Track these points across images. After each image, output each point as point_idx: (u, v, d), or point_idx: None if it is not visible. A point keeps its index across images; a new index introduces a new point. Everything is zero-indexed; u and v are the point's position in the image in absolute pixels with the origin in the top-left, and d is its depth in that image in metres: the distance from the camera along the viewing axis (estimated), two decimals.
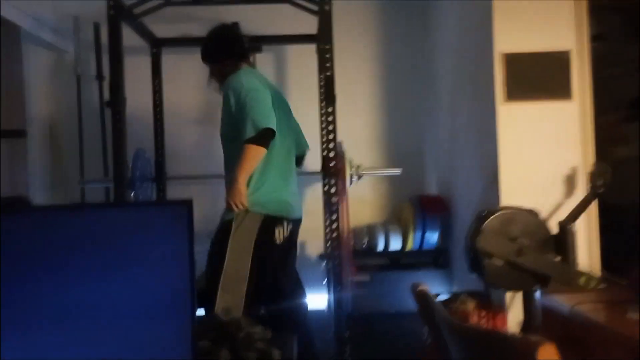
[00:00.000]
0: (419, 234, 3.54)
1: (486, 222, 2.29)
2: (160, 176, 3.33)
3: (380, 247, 3.60)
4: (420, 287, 1.25)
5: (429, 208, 3.55)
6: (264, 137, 2.18)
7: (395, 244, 3.60)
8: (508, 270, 2.26)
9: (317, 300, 3.59)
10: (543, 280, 2.22)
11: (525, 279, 2.23)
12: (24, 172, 2.78)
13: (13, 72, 2.74)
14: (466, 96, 3.08)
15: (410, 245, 3.57)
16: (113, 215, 1.18)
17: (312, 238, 3.77)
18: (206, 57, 2.52)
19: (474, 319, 2.12)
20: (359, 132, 3.87)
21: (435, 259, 3.57)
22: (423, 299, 1.21)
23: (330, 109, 2.56)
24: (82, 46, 3.59)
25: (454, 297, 2.20)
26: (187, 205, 1.19)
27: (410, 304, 3.38)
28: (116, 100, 2.42)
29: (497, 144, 2.55)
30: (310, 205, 3.74)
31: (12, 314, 1.10)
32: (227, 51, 2.48)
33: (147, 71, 3.38)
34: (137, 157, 3.03)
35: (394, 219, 3.87)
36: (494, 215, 2.31)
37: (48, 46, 3.56)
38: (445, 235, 3.54)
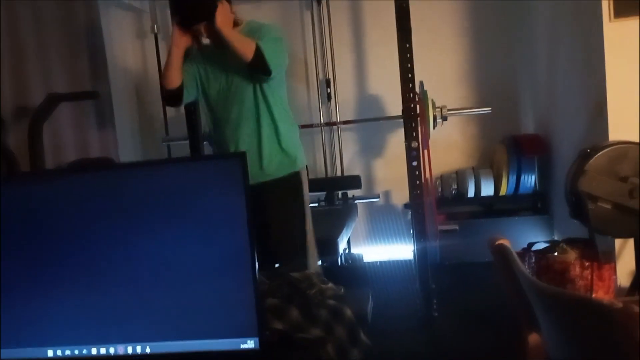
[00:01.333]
0: (513, 178, 3.26)
1: (591, 160, 2.02)
2: None
3: (471, 193, 3.37)
4: (499, 241, 1.07)
5: (525, 149, 3.25)
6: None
7: (487, 190, 3.35)
8: (617, 215, 1.99)
9: (403, 250, 3.48)
10: None
11: (638, 224, 1.96)
12: (113, 133, 2.86)
13: (94, 34, 2.78)
14: (567, 18, 2.70)
15: (504, 190, 3.31)
16: (165, 172, 1.12)
17: (396, 188, 3.62)
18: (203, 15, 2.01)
19: (575, 271, 1.90)
20: (444, 70, 3.58)
21: (533, 205, 3.29)
22: (502, 255, 1.04)
23: (406, 44, 2.34)
24: (157, 5, 3.60)
25: (552, 246, 1.97)
26: (240, 158, 1.10)
27: None
28: None
29: (604, 70, 2.21)
30: (393, 153, 3.58)
31: (74, 272, 1.09)
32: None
33: None
34: None
35: (486, 163, 3.59)
36: (601, 153, 2.03)
37: (126, 7, 3.60)
38: (544, 178, 3.23)
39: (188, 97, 2.11)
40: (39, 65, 2.31)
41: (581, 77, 2.53)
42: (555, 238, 3.14)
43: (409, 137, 2.64)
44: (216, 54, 2.09)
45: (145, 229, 1.09)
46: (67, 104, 2.50)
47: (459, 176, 3.48)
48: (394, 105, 3.00)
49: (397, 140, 3.50)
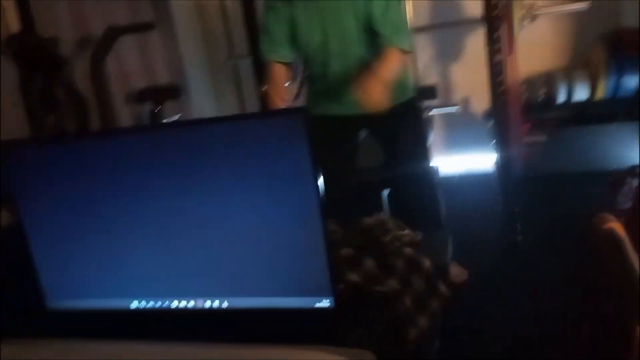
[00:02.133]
0: (613, 79, 2.90)
1: None
2: None
3: (562, 98, 3.05)
4: (609, 223, 0.91)
5: (628, 45, 2.84)
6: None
7: (581, 94, 3.02)
8: None
9: (485, 161, 3.29)
10: None
11: None
12: (178, 58, 2.80)
13: None
14: None
15: (601, 94, 2.96)
16: (229, 128, 1.05)
17: (476, 93, 3.35)
18: None
19: None
20: None
21: (632, 109, 2.93)
22: (612, 242, 0.88)
23: None
24: None
25: None
26: (303, 113, 1.00)
27: (597, 163, 2.95)
28: None
29: None
30: (472, 55, 3.28)
31: (151, 228, 1.09)
32: None
33: None
34: None
35: (579, 64, 3.20)
36: None
37: None
38: None
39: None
40: None
41: None
42: None
43: (491, 42, 2.37)
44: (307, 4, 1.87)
45: (213, 186, 1.05)
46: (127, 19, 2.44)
47: (549, 79, 3.14)
48: (475, 3, 2.66)
49: (476, 40, 3.17)
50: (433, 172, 2.08)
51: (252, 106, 3.33)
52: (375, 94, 1.72)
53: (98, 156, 1.10)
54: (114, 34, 1.94)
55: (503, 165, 2.57)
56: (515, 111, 2.66)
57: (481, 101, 3.32)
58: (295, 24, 1.90)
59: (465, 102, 3.48)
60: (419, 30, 3.19)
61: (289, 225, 1.03)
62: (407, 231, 1.31)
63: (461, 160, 3.43)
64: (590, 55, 3.12)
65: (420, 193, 2.02)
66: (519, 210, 2.28)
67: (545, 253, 2.24)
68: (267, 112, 1.91)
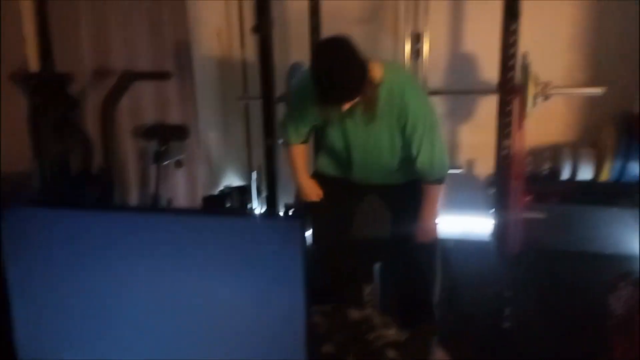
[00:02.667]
0: (619, 163, 2.90)
1: None
2: None
3: (566, 174, 3.06)
4: None
5: (639, 131, 2.85)
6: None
7: (586, 173, 3.02)
8: None
9: (483, 226, 3.27)
10: None
11: None
12: (192, 99, 2.83)
13: None
14: None
15: (605, 176, 2.96)
16: (222, 223, 1.06)
17: (482, 156, 3.36)
18: (350, 96, 1.76)
19: None
20: (553, 42, 3.14)
21: (633, 196, 2.92)
22: None
23: (512, 28, 2.03)
24: None
25: None
26: (299, 221, 1.01)
27: (593, 244, 2.94)
28: (263, 25, 2.22)
29: None
30: (483, 118, 3.30)
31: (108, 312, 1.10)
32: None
33: None
34: (292, 71, 2.85)
35: (588, 141, 3.21)
36: None
37: None
38: None
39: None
40: (121, 34, 2.27)
41: None
42: None
43: (503, 114, 2.40)
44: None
45: (202, 274, 1.05)
46: (148, 59, 2.47)
47: (554, 153, 3.15)
48: (491, 66, 2.68)
49: (487, 104, 3.18)
50: (434, 251, 2.06)
51: (258, 144, 3.35)
52: (428, 231, 1.98)
53: (92, 227, 1.10)
54: (129, 79, 1.96)
55: (499, 237, 2.56)
56: (518, 185, 2.66)
57: (485, 165, 3.33)
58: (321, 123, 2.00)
59: (470, 165, 3.49)
60: (433, 94, 3.18)
61: (272, 323, 1.04)
62: (392, 331, 1.30)
63: (459, 222, 3.42)
64: (600, 135, 3.12)
65: (416, 273, 2.02)
66: (509, 296, 2.26)
67: (533, 342, 2.22)
68: (267, 215, 2.03)
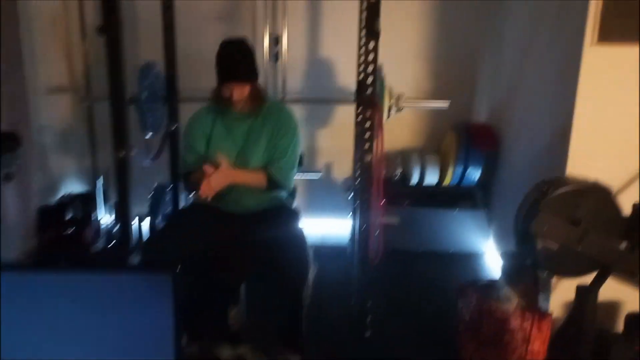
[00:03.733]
0: (460, 169, 3.17)
1: (547, 199, 1.93)
2: (172, 95, 2.89)
3: (415, 178, 3.27)
4: None
5: (477, 140, 3.14)
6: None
7: (432, 177, 3.26)
8: (563, 255, 1.95)
9: (342, 228, 3.36)
10: (602, 270, 1.92)
11: (582, 267, 1.94)
12: (23, 98, 2.45)
13: None
14: (544, 29, 2.51)
15: (448, 180, 3.23)
16: (92, 279, 1.05)
17: (339, 160, 3.46)
18: (249, 75, 2.12)
19: (516, 322, 1.86)
20: (402, 54, 3.34)
21: (474, 199, 3.24)
22: None
23: (371, 45, 2.07)
24: None
25: (495, 288, 1.92)
26: (172, 274, 0.96)
27: (440, 244, 3.19)
28: (111, 25, 1.99)
29: (576, 94, 2.07)
30: (340, 122, 3.38)
31: None
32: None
33: None
34: (144, 72, 2.61)
35: (433, 145, 3.47)
36: (558, 193, 1.93)
37: None
38: (489, 172, 3.16)
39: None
40: None
41: (551, 93, 2.39)
42: (491, 236, 3.16)
43: (361, 124, 2.46)
44: (233, 114, 2.16)
45: (94, 320, 1.05)
46: None
47: (404, 158, 3.35)
48: (349, 71, 2.74)
49: (344, 110, 3.26)
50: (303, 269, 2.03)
51: (103, 147, 3.06)
52: (213, 182, 2.01)
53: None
54: None
55: (358, 242, 2.64)
56: (376, 191, 2.77)
57: (343, 168, 3.43)
58: (211, 142, 2.17)
59: (328, 168, 3.56)
60: (292, 102, 3.17)
61: None
62: None
63: (319, 225, 3.47)
64: (443, 141, 3.39)
65: (284, 289, 1.97)
66: (370, 305, 2.34)
67: (393, 349, 2.32)
68: (140, 266, 1.90)
